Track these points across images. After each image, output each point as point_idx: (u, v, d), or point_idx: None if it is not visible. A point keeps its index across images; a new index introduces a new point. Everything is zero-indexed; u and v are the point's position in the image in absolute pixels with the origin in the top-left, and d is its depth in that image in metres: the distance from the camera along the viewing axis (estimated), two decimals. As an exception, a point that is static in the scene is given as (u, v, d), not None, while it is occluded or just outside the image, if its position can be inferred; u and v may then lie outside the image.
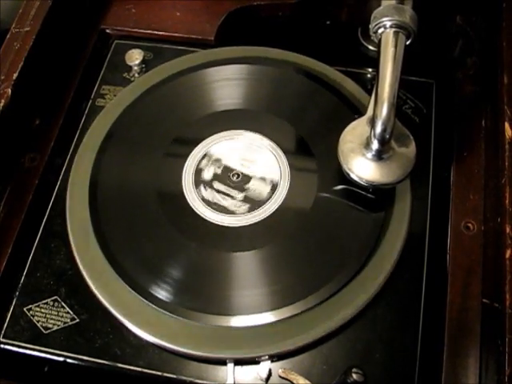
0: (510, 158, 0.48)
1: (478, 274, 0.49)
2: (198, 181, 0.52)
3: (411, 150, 0.47)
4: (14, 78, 0.54)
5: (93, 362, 0.46)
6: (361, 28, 0.64)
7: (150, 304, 0.46)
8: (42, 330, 0.48)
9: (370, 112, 0.48)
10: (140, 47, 0.61)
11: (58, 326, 0.48)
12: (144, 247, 0.49)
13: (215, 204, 0.51)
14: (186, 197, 0.52)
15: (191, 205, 0.51)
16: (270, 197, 0.51)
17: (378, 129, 0.44)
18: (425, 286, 0.48)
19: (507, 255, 0.45)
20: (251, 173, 0.53)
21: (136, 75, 0.61)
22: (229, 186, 0.52)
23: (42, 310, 0.48)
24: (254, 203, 0.51)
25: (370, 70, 0.61)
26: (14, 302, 0.49)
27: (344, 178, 0.48)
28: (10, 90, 0.53)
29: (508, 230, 0.46)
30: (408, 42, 0.47)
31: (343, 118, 0.52)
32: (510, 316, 0.42)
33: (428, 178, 0.53)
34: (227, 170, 0.53)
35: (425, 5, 0.50)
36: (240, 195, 0.51)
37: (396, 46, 0.46)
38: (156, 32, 0.64)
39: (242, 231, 0.50)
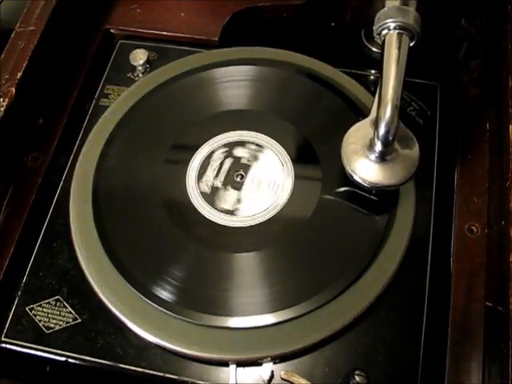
0: (514, 161, 0.48)
1: (481, 277, 0.49)
2: (201, 180, 0.52)
3: (414, 151, 0.47)
4: (18, 77, 0.54)
5: (94, 362, 0.46)
6: (364, 29, 0.64)
7: (153, 304, 0.46)
8: (44, 329, 0.48)
9: (373, 114, 0.48)
10: (144, 47, 0.61)
11: (60, 325, 0.48)
12: (147, 247, 0.49)
13: (217, 203, 0.51)
14: (190, 197, 0.51)
15: (195, 205, 0.51)
16: (274, 198, 0.51)
17: (382, 130, 0.44)
18: (428, 289, 0.48)
19: (511, 258, 0.44)
20: (255, 173, 0.53)
21: (140, 75, 0.61)
22: (232, 186, 0.52)
23: (44, 310, 0.48)
24: (257, 204, 0.51)
25: (373, 71, 0.61)
26: (16, 302, 0.49)
27: (348, 180, 0.48)
28: (13, 89, 0.53)
29: (512, 233, 0.45)
30: (412, 44, 0.47)
31: (347, 119, 0.52)
32: (513, 319, 0.42)
33: (432, 180, 0.53)
34: (231, 169, 0.53)
35: (430, 7, 0.50)
36: (243, 195, 0.51)
37: (400, 48, 0.46)
38: (160, 32, 0.64)
39: (246, 232, 0.49)
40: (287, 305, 0.46)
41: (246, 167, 0.53)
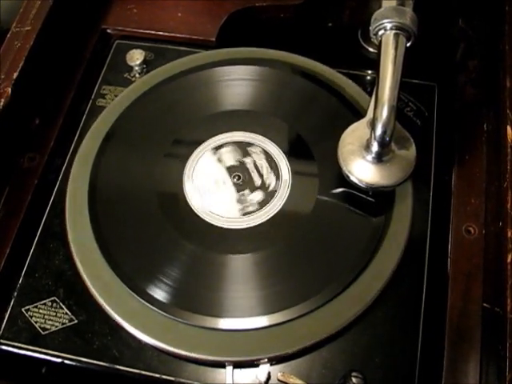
0: (511, 162, 0.48)
1: (478, 278, 0.49)
2: (198, 182, 0.52)
3: (411, 152, 0.47)
4: (15, 77, 0.54)
5: (91, 363, 0.46)
6: (361, 30, 0.64)
7: (149, 306, 0.46)
8: (40, 330, 0.47)
9: (370, 114, 0.48)
10: (141, 47, 0.61)
11: (56, 327, 0.48)
12: (143, 248, 0.49)
13: (214, 205, 0.51)
14: (186, 198, 0.51)
15: (191, 206, 0.51)
16: (271, 199, 0.51)
17: (378, 131, 0.44)
18: (425, 290, 0.48)
19: (508, 259, 0.44)
20: (252, 175, 0.52)
21: (137, 75, 0.61)
22: (229, 187, 0.52)
23: (40, 311, 0.48)
24: (255, 205, 0.51)
25: (370, 72, 0.61)
26: (12, 303, 0.49)
27: (345, 180, 0.48)
28: (10, 90, 0.53)
29: (509, 234, 0.45)
30: (408, 44, 0.47)
31: (344, 120, 0.52)
32: (511, 321, 0.42)
33: (429, 181, 0.53)
34: (228, 171, 0.53)
35: (427, 8, 0.49)
36: (240, 197, 0.51)
37: (396, 48, 0.45)
38: (157, 32, 0.63)
39: (242, 233, 0.49)
40: (284, 306, 0.45)
41: (243, 169, 0.53)
